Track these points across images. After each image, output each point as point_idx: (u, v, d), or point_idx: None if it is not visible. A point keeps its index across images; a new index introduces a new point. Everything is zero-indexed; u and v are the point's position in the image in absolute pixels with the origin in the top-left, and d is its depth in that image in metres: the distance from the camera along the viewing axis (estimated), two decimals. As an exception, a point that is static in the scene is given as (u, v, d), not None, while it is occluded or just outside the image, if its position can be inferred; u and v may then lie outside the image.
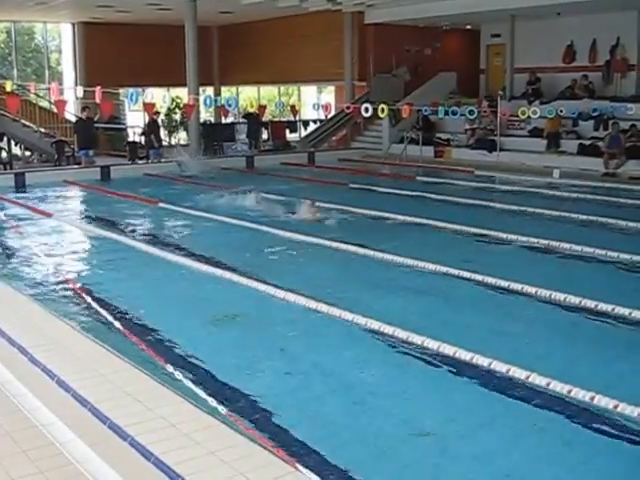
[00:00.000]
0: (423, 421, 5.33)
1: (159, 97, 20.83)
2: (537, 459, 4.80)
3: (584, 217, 13.07)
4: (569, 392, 5.56)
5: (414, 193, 16.15)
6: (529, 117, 19.81)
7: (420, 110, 21.70)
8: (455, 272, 9.16)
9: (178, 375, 6.03)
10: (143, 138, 23.53)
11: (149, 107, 19.53)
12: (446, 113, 19.56)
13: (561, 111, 19.90)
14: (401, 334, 6.88)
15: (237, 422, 5.13)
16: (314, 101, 31.27)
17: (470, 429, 5.21)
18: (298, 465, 4.47)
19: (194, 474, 4.25)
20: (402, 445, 4.99)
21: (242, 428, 5.01)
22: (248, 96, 36.37)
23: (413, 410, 5.55)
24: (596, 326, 7.35)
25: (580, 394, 5.51)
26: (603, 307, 7.66)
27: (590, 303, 7.79)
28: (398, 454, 4.87)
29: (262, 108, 21.86)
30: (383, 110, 17.82)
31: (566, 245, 10.66)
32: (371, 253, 10.36)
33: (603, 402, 5.37)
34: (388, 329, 7.00)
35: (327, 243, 11.03)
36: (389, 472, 4.63)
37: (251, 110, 23.33)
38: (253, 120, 25.80)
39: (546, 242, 10.90)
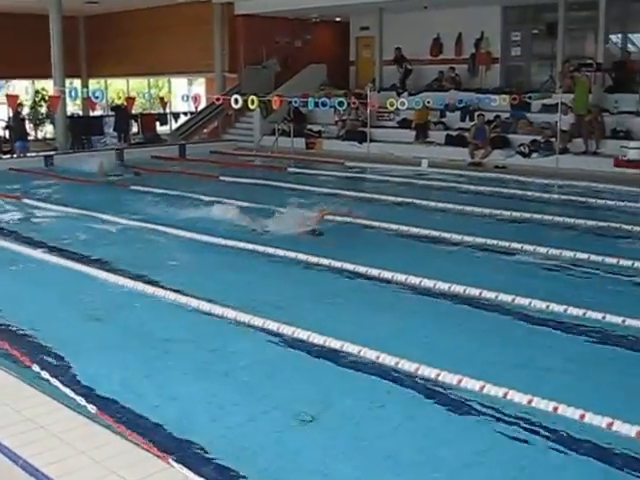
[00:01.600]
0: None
1: (23, 89, 20.02)
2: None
3: (451, 206, 13.33)
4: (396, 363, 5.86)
5: (285, 185, 16.08)
6: (398, 108, 20.10)
7: (291, 102, 21.66)
8: (322, 261, 9.17)
9: (45, 375, 5.75)
10: (7, 132, 22.64)
11: (12, 100, 18.73)
12: (316, 105, 19.58)
13: (429, 102, 20.28)
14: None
15: (109, 421, 4.93)
16: (184, 93, 30.74)
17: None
18: (172, 461, 4.34)
19: (65, 475, 4.10)
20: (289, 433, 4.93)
21: (114, 426, 4.83)
22: (117, 88, 35.53)
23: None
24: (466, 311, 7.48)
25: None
26: (471, 292, 7.81)
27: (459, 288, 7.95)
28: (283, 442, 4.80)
29: (131, 100, 21.38)
30: (253, 102, 17.65)
31: (435, 233, 10.79)
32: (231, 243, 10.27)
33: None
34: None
35: (196, 236, 10.82)
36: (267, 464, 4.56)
37: (120, 102, 22.73)
38: (122, 113, 25.20)
39: (416, 230, 11.00)
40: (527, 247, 9.92)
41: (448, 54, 23.99)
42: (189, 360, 6.24)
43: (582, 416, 4.92)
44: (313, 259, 9.25)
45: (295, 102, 21.53)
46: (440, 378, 5.59)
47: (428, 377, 5.65)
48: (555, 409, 5.03)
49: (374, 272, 8.64)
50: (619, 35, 21.98)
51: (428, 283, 8.17)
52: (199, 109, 25.07)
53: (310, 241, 10.28)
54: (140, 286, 8.21)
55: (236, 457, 4.56)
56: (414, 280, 8.29)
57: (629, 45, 21.81)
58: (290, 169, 18.89)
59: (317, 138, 23.34)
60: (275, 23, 26.21)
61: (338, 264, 8.98)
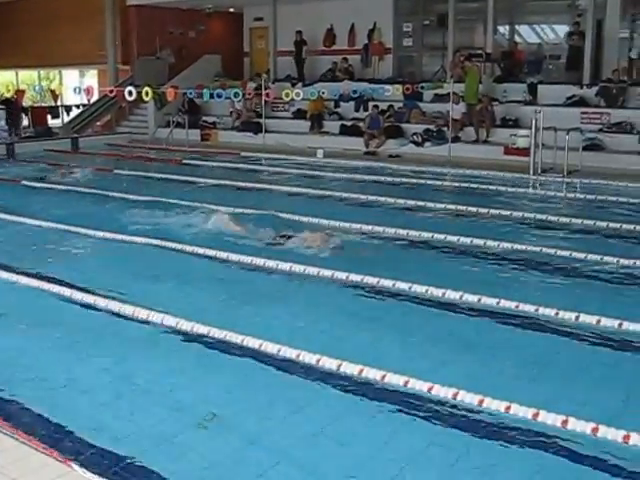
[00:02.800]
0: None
1: None
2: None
3: (346, 195, 13.44)
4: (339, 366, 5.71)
5: (180, 177, 15.89)
6: (293, 99, 20.13)
7: (185, 93, 21.44)
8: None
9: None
10: None
11: None
12: (211, 96, 19.40)
13: (323, 93, 20.37)
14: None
15: (6, 427, 4.76)
16: (76, 85, 29.99)
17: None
18: (74, 465, 4.25)
19: None
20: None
21: (12, 432, 4.68)
22: (5, 81, 34.38)
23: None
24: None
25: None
26: (369, 280, 7.89)
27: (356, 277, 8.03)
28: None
29: (20, 93, 20.70)
30: (147, 93, 17.37)
31: (335, 223, 10.84)
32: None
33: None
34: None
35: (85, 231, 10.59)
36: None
37: (8, 95, 22.03)
38: (11, 106, 24.39)
39: (316, 220, 11.03)
40: (424, 235, 10.11)
41: (341, 45, 24.15)
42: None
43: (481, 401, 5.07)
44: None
45: (190, 93, 21.32)
46: (342, 368, 5.61)
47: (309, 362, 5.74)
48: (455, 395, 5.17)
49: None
50: (507, 26, 22.57)
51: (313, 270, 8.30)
52: (92, 101, 24.50)
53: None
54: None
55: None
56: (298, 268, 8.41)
57: (516, 36, 22.40)
58: (185, 161, 18.66)
59: (212, 129, 23.14)
60: (168, 13, 25.83)
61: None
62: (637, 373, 5.74)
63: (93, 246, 9.98)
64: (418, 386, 5.30)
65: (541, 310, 6.90)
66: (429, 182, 14.94)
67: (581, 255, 8.94)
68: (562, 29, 21.22)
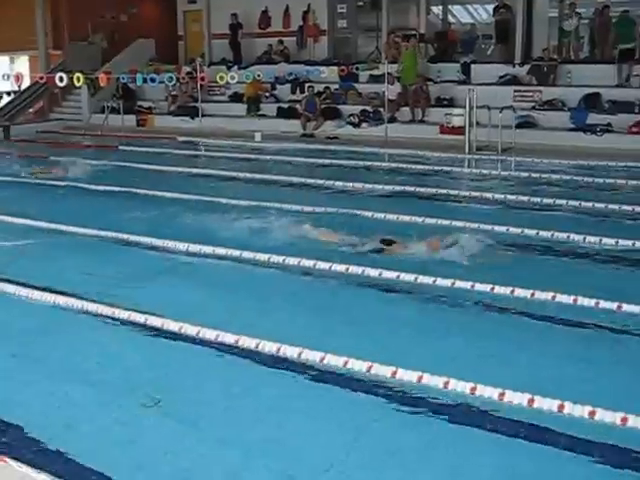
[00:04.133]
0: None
1: None
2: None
3: (284, 178, 13.48)
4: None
5: (117, 163, 15.72)
6: (228, 82, 20.05)
7: (119, 78, 21.18)
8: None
9: None
10: None
11: None
12: (144, 81, 19.22)
13: (259, 76, 20.33)
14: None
15: None
16: (5, 72, 29.32)
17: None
18: (8, 459, 4.19)
19: None
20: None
21: None
22: None
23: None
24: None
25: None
26: (305, 263, 7.92)
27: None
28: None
29: (-53, 81, 20.13)
30: (79, 79, 17.13)
31: (276, 204, 10.84)
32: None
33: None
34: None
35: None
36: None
37: None
38: (-64, 94, 23.81)
39: (255, 203, 10.96)
40: (365, 213, 10.22)
41: (277, 27, 24.06)
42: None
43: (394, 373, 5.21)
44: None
45: (123, 78, 21.08)
46: (282, 351, 5.67)
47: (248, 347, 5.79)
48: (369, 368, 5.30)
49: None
50: (440, 7, 22.77)
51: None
52: (22, 88, 24.01)
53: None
54: None
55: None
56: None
57: (449, 16, 22.64)
58: (121, 147, 18.44)
59: (148, 114, 22.91)
60: (100, -3, 25.39)
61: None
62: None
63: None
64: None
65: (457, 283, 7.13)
66: (367, 163, 15.03)
67: (517, 230, 9.14)
68: (493, 9, 21.46)
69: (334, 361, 5.43)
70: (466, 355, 5.65)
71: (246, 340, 5.84)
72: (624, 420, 4.56)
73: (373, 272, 7.53)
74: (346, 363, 5.39)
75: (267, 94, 21.94)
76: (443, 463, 4.27)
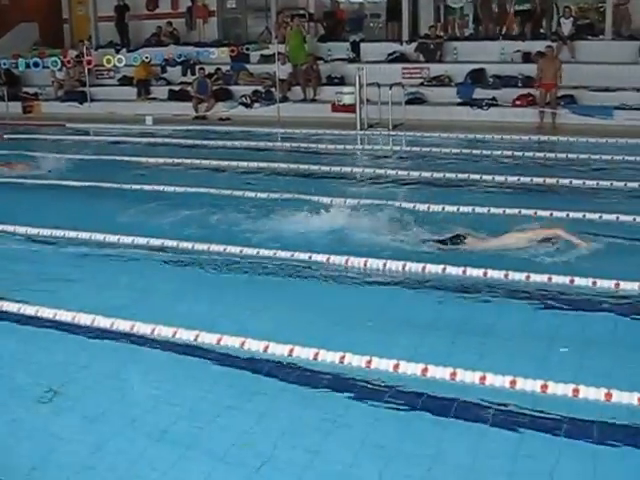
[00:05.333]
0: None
1: None
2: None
3: (178, 160, 13.36)
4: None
5: (4, 152, 15.24)
6: (116, 65, 19.70)
7: (0, 64, 20.51)
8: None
9: None
10: None
11: None
12: (27, 66, 18.68)
13: (147, 58, 20.03)
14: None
15: None
16: None
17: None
18: None
19: None
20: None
21: None
22: None
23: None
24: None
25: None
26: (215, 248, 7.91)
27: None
28: None
29: None
30: (-44, 66, 16.52)
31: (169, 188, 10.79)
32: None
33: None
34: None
35: None
36: None
37: None
38: None
39: (150, 187, 10.91)
40: (260, 195, 10.26)
41: (165, 8, 23.69)
42: None
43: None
44: None
45: (4, 64, 20.41)
46: (200, 338, 5.67)
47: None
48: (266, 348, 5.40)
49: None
50: (328, -15, 22.85)
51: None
52: None
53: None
54: None
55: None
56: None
57: (338, -5, 22.75)
58: (7, 136, 17.86)
59: (34, 101, 22.24)
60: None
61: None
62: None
63: None
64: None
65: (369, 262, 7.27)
66: (260, 143, 15.04)
67: (410, 205, 9.34)
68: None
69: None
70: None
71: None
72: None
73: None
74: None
75: (157, 77, 21.63)
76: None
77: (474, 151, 13.15)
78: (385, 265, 7.10)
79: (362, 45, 19.98)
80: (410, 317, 5.98)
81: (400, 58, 19.22)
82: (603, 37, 18.65)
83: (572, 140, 14.07)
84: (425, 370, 4.94)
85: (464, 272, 6.82)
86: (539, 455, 4.09)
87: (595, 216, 8.60)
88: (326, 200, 9.68)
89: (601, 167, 11.65)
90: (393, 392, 4.75)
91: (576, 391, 4.62)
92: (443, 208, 9.15)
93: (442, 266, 6.93)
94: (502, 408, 4.52)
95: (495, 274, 6.75)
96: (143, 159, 13.76)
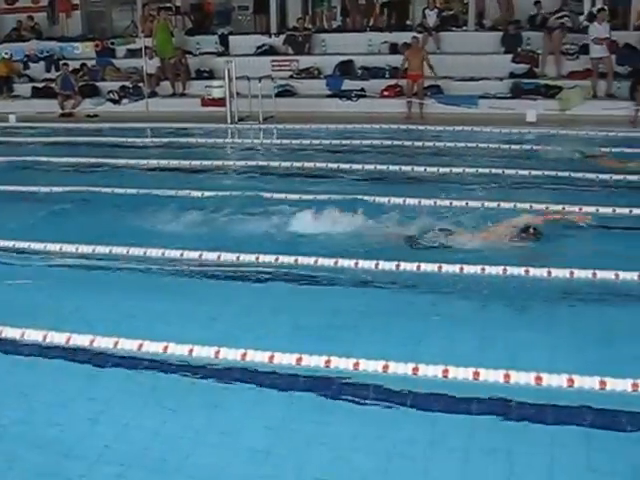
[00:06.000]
0: None
1: None
2: None
3: (43, 159, 12.91)
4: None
5: None
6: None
7: None
8: None
9: None
10: None
11: None
12: None
13: (7, 54, 19.30)
14: None
15: None
16: None
17: None
18: None
19: None
20: None
21: None
22: None
23: None
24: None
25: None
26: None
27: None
28: None
29: None
30: None
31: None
32: None
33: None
34: None
35: None
36: None
37: None
38: None
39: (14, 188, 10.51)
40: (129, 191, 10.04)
41: (25, 2, 22.83)
42: None
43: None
44: None
45: None
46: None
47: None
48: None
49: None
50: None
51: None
52: None
53: None
54: None
55: None
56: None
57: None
58: None
59: None
60: None
61: None
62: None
63: None
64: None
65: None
66: (128, 139, 14.72)
67: (282, 196, 9.34)
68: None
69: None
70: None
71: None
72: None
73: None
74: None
75: (20, 74, 20.85)
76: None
77: (344, 142, 13.28)
78: (258, 258, 7.08)
79: (231, 38, 19.87)
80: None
81: (269, 51, 19.22)
82: (467, 28, 19.23)
83: (440, 129, 14.44)
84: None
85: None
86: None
87: (462, 203, 8.84)
88: (197, 194, 9.62)
89: (466, 154, 12.02)
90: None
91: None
92: (315, 197, 9.19)
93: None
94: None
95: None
96: (7, 158, 13.24)
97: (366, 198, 9.04)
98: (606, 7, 16.78)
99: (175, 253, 7.32)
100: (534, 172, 10.43)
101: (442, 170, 10.78)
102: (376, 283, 6.48)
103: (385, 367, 4.85)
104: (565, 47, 17.16)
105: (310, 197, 9.21)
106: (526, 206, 8.49)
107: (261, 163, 11.74)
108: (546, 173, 10.33)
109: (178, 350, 5.18)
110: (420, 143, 13.12)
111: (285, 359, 5.01)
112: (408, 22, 20.09)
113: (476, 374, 4.72)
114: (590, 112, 15.30)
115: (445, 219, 7.94)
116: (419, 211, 8.49)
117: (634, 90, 15.44)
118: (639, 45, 17.09)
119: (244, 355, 5.07)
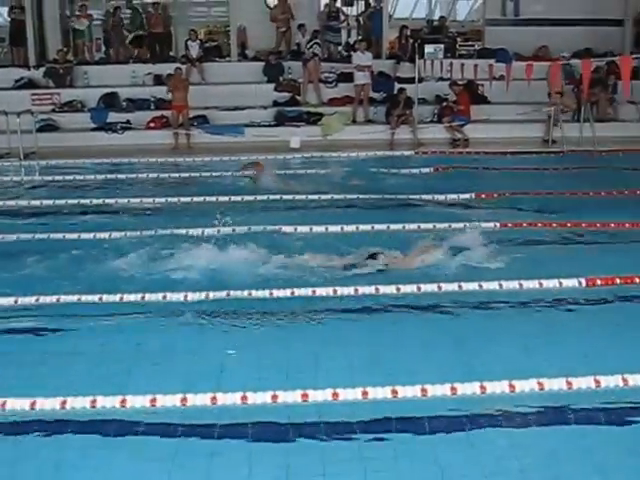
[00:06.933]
0: None
1: None
2: None
3: None
4: None
5: None
6: None
7: None
8: None
9: None
10: None
11: None
12: None
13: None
14: None
15: None
16: None
17: None
18: None
19: None
20: None
21: None
22: None
23: None
24: None
25: None
26: None
27: None
28: None
29: None
30: None
31: None
32: None
33: None
34: None
35: None
36: None
37: None
38: None
39: None
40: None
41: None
42: None
43: None
44: None
45: None
46: None
47: None
48: None
49: None
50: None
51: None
52: None
53: None
54: None
55: None
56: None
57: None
58: None
59: None
60: None
61: None
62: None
63: None
64: None
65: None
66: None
67: (59, 235, 9.03)
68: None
69: None
70: None
71: None
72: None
73: None
74: None
75: None
76: None
77: (109, 175, 13.11)
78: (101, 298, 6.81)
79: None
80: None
81: (28, 84, 18.47)
82: (230, 59, 19.61)
83: (207, 159, 14.60)
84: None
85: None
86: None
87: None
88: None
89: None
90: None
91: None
92: (94, 236, 8.94)
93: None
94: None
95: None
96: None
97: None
98: (362, 38, 17.76)
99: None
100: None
101: (208, 199, 10.91)
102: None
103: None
104: (324, 75, 17.94)
105: (105, 235, 8.96)
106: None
107: (20, 202, 11.26)
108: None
109: None
110: (187, 174, 13.25)
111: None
112: (171, 53, 20.16)
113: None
114: (351, 137, 16.16)
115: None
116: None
117: (389, 115, 16.46)
118: (392, 72, 18.24)
119: None
